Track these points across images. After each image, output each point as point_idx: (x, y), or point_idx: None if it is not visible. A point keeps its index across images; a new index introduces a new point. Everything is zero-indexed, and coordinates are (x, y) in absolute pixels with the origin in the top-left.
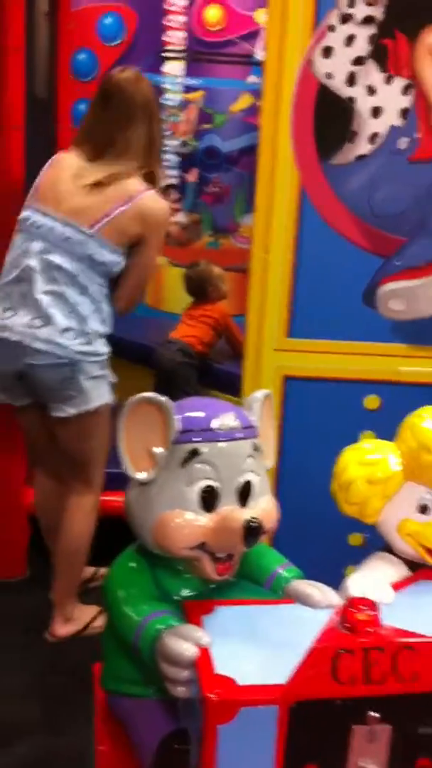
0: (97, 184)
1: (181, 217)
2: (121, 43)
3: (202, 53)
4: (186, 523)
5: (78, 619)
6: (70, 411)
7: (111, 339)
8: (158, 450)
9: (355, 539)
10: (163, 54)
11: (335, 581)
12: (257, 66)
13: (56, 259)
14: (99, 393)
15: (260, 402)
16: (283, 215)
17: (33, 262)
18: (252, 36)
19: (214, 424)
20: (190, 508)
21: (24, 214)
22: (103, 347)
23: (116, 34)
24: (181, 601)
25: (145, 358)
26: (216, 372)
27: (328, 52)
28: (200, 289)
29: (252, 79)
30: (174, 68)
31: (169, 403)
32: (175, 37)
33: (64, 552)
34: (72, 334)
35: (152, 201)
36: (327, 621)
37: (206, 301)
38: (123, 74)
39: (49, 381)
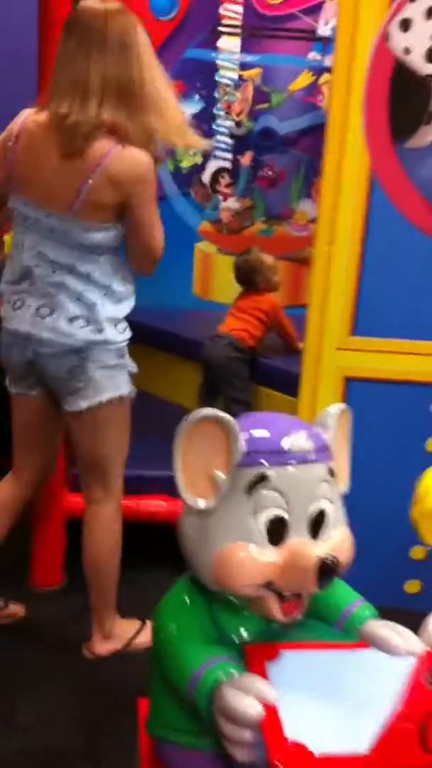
0: (61, 156)
1: (232, 203)
2: (174, 17)
3: (260, 28)
4: (250, 558)
5: (118, 635)
6: (82, 404)
7: (157, 332)
8: (219, 474)
9: (417, 552)
10: (219, 29)
11: (396, 597)
12: (319, 42)
13: (50, 252)
14: (114, 383)
15: (335, 418)
16: (351, 202)
17: (29, 259)
18: (314, 9)
19: (284, 445)
20: (255, 541)
21: (11, 203)
22: (118, 335)
23: (169, 8)
24: (241, 644)
25: (193, 352)
26: (265, 367)
27: (406, 24)
28: (249, 279)
29: (313, 55)
30: (230, 44)
31: (233, 421)
32: (232, 11)
33: (91, 567)
34: (81, 322)
35: (120, 161)
36: (411, 673)
37: (255, 292)
38: (89, 2)
39: (56, 370)
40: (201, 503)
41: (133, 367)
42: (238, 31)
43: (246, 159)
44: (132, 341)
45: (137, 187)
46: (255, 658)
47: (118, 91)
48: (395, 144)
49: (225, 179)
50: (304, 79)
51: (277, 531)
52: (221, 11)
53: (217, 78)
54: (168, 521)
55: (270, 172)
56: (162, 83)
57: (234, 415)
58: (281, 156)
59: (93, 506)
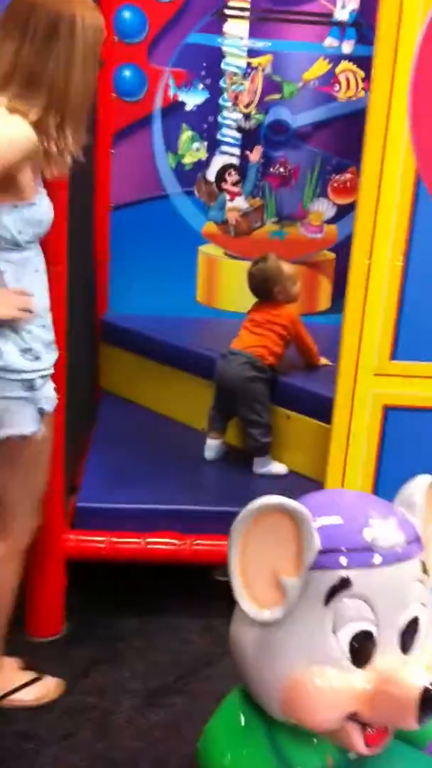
0: None
1: (240, 202)
2: None
3: (270, 11)
4: (330, 687)
5: None
6: None
7: (158, 343)
8: (288, 579)
9: None
10: (225, 12)
11: None
12: (336, 26)
13: None
14: (16, 419)
15: (423, 495)
16: (393, 210)
17: None
18: None
19: (368, 537)
20: (335, 663)
21: None
22: (24, 362)
23: None
24: None
25: (198, 365)
26: (284, 386)
27: None
28: (265, 289)
29: (329, 41)
30: (237, 29)
31: (306, 512)
32: None
33: None
34: None
35: None
36: None
37: (272, 304)
38: None
39: None
40: (265, 614)
41: (49, 403)
42: (247, 14)
43: (255, 154)
44: (130, 352)
45: None
46: None
47: (28, 79)
48: None
49: (232, 176)
50: (319, 68)
51: (362, 648)
52: None
53: (223, 66)
54: (178, 561)
55: (281, 169)
56: (87, 92)
57: (253, 439)
58: (294, 151)
59: None
